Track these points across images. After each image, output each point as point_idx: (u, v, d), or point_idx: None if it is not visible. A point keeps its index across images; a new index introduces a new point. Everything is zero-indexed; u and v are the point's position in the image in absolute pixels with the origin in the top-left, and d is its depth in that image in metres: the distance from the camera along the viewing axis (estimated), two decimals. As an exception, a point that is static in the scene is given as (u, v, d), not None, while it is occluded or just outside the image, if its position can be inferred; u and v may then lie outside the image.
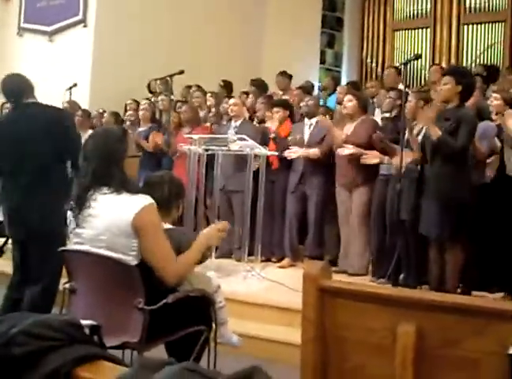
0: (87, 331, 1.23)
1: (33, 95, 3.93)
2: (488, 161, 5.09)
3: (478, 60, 11.10)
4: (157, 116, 7.61)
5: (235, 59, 9.95)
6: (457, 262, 4.52)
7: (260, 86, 7.74)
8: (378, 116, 6.11)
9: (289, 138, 5.99)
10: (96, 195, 2.73)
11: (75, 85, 7.29)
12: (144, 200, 2.70)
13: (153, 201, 2.72)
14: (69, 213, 2.84)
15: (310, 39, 11.93)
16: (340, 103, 6.95)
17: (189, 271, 2.90)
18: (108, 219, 2.68)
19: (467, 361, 1.57)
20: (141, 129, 7.13)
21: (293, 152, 5.89)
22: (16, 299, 3.83)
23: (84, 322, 1.23)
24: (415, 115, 5.05)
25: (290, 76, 8.39)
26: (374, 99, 6.72)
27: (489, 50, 11.21)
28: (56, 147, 3.78)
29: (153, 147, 6.82)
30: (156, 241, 2.73)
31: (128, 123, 7.46)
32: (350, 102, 5.73)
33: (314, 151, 5.85)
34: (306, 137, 6.04)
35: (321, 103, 7.33)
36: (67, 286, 2.90)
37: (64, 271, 2.97)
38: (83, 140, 6.95)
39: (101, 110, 7.90)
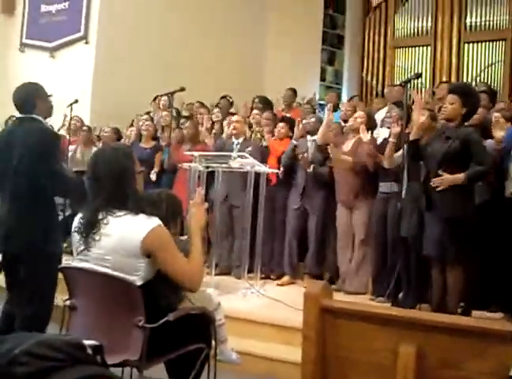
0: (90, 351, 1.22)
1: (32, 109, 3.82)
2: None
3: (478, 78, 11.14)
4: (159, 132, 7.63)
5: (236, 76, 10.00)
6: (459, 282, 4.49)
7: (265, 102, 7.80)
8: (381, 133, 6.08)
9: (299, 157, 6.00)
10: (109, 218, 2.69)
11: (76, 101, 7.30)
12: (152, 222, 2.67)
13: (160, 222, 2.70)
14: (76, 236, 2.79)
15: (310, 56, 12.00)
16: (345, 120, 6.97)
17: (203, 273, 2.92)
18: (115, 240, 2.66)
19: (467, 382, 1.57)
20: (143, 146, 7.13)
21: None
22: (10, 315, 3.78)
23: (87, 342, 1.23)
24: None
25: (296, 94, 8.51)
26: (376, 116, 6.73)
27: (490, 68, 11.24)
28: (39, 167, 3.63)
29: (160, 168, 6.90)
30: (172, 259, 2.73)
31: (132, 139, 7.47)
32: (361, 119, 5.73)
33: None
34: (309, 154, 6.05)
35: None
36: (68, 303, 2.89)
37: (65, 287, 2.94)
38: (87, 157, 6.98)
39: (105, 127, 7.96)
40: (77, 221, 2.82)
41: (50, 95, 4.03)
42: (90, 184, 2.79)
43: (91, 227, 2.71)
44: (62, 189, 3.91)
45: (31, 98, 3.84)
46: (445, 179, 4.42)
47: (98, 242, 2.69)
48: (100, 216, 2.70)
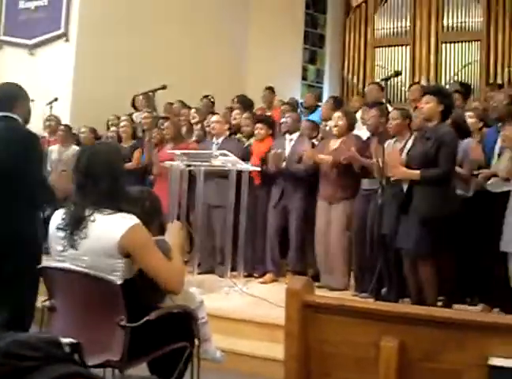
0: (67, 349, 1.20)
1: (11, 109, 3.67)
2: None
3: (456, 77, 11.31)
4: (140, 132, 7.56)
5: (218, 75, 9.98)
6: (432, 276, 4.53)
7: (245, 102, 7.76)
8: (360, 132, 6.05)
9: (271, 152, 5.99)
10: (95, 216, 2.63)
11: (56, 100, 7.22)
12: (130, 221, 2.62)
13: (138, 221, 2.65)
14: (57, 234, 2.72)
15: (292, 56, 12.05)
16: (325, 119, 6.96)
17: (184, 274, 2.88)
18: (93, 240, 2.61)
19: (449, 373, 1.58)
20: (123, 146, 7.08)
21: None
22: None
23: (64, 340, 1.21)
24: (399, 132, 5.10)
25: (274, 92, 8.49)
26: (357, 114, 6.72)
27: (467, 67, 11.42)
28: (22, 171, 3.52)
29: (136, 165, 6.80)
30: (151, 258, 2.68)
31: (109, 140, 7.40)
32: (340, 120, 5.70)
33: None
34: (286, 152, 6.06)
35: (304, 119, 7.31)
36: (47, 304, 2.85)
37: (43, 289, 2.90)
38: (65, 156, 6.93)
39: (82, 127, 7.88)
40: (58, 218, 2.74)
41: (32, 100, 3.93)
42: (81, 180, 2.71)
43: (78, 224, 2.64)
44: (47, 199, 3.86)
45: (10, 97, 3.72)
46: (401, 171, 4.54)
47: (83, 239, 2.63)
48: (87, 213, 2.64)
